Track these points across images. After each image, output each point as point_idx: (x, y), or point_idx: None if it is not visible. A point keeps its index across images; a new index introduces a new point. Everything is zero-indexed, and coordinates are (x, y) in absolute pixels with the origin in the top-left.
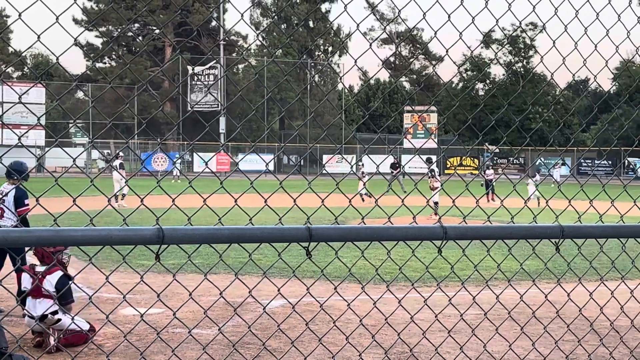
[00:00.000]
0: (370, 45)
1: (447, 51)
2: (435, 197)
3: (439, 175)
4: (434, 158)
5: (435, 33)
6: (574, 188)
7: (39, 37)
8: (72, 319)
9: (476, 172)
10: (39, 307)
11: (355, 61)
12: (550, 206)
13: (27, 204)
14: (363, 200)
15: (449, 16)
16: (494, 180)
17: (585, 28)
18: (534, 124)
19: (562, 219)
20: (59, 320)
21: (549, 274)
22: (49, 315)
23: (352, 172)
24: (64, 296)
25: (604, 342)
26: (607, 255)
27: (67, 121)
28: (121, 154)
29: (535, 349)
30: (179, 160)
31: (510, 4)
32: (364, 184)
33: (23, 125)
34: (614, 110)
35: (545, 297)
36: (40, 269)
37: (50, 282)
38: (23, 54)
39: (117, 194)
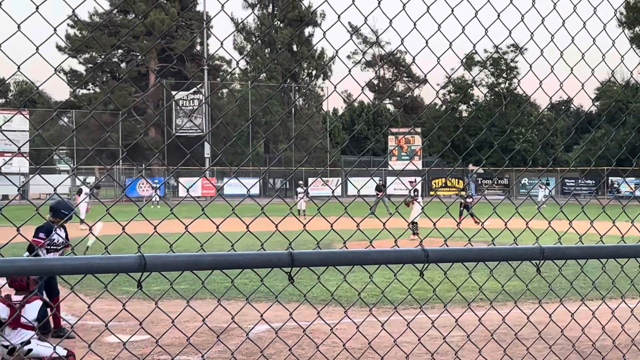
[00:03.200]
0: (350, 71)
1: (425, 76)
2: (414, 218)
3: (422, 197)
4: (418, 179)
5: (414, 59)
6: (556, 208)
7: (19, 67)
8: (54, 348)
9: (463, 192)
10: (14, 337)
11: (335, 87)
12: (532, 227)
13: (41, 237)
14: (304, 216)
15: (426, 42)
16: (471, 203)
17: (561, 52)
18: (516, 145)
19: (544, 240)
20: (30, 350)
21: (532, 295)
22: (18, 346)
23: (332, 195)
24: (44, 326)
25: None
26: (588, 276)
27: (51, 148)
28: (88, 180)
29: None
30: (159, 186)
31: (487, 29)
32: (296, 203)
33: (7, 153)
34: (593, 130)
35: (527, 318)
36: (16, 298)
37: (30, 312)
38: (5, 83)
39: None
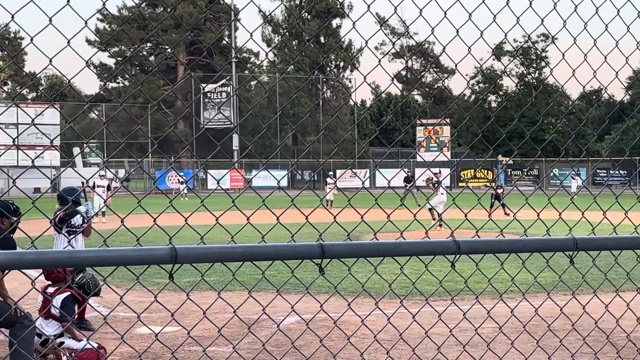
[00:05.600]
0: (380, 61)
1: (456, 66)
2: (438, 207)
3: (449, 188)
4: (441, 170)
5: (444, 48)
6: (588, 199)
7: (50, 60)
8: (88, 338)
9: (492, 183)
10: (47, 328)
11: (365, 78)
12: (564, 218)
13: (60, 215)
14: (331, 205)
15: (457, 31)
16: (501, 194)
17: (595, 40)
18: (547, 135)
19: (576, 231)
20: (62, 343)
21: (564, 286)
22: (51, 338)
23: (363, 187)
24: (62, 315)
25: (621, 355)
26: (622, 267)
27: (82, 141)
28: (101, 172)
29: None
30: (188, 180)
31: (518, 18)
32: (326, 195)
33: (38, 146)
34: (627, 120)
35: (561, 310)
36: (51, 290)
37: (57, 302)
38: (37, 76)
39: (98, 211)
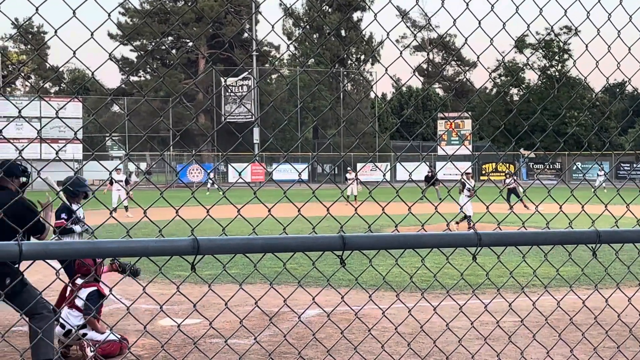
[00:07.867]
0: (401, 53)
1: (478, 57)
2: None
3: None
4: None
5: (466, 40)
6: (611, 192)
7: (74, 52)
8: (111, 329)
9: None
10: (71, 318)
11: (386, 70)
12: (587, 211)
13: (63, 218)
14: (355, 200)
15: (479, 22)
16: (517, 187)
17: (619, 31)
18: (569, 129)
19: (599, 224)
20: (85, 335)
21: (587, 280)
22: (74, 329)
23: (384, 179)
24: (86, 308)
25: None
26: None
27: (104, 135)
28: (120, 167)
29: (574, 355)
30: (213, 173)
31: (541, 9)
32: (347, 188)
33: (61, 140)
34: None
35: (583, 303)
36: (79, 282)
37: (83, 294)
38: (60, 70)
39: (117, 205)
